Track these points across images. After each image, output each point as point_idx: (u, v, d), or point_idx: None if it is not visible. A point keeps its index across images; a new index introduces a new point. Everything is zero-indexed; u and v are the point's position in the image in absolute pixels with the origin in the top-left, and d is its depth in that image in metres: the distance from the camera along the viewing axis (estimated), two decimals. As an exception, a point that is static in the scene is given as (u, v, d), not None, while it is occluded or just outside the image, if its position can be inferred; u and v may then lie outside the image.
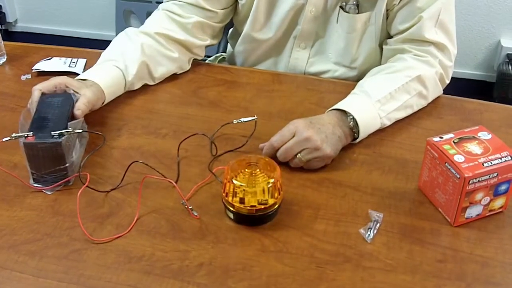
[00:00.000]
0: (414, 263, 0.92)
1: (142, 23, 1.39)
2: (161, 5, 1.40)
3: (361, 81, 1.26)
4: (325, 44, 1.39)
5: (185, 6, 1.35)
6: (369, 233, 0.97)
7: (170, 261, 0.91)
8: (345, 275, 0.90)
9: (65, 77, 1.19)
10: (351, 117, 1.14)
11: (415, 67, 1.25)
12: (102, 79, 1.22)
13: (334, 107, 1.17)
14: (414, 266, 0.92)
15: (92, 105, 1.16)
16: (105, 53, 1.31)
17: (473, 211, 0.98)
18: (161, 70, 1.34)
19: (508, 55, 2.76)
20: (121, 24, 3.06)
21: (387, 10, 1.30)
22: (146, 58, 1.30)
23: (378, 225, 0.98)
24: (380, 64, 1.35)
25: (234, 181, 0.95)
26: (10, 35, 3.31)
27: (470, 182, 0.93)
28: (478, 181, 0.94)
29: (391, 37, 1.34)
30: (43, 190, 1.04)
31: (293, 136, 1.08)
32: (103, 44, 1.38)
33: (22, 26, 3.35)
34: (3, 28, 3.26)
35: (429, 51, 1.27)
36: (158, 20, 1.37)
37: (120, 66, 1.26)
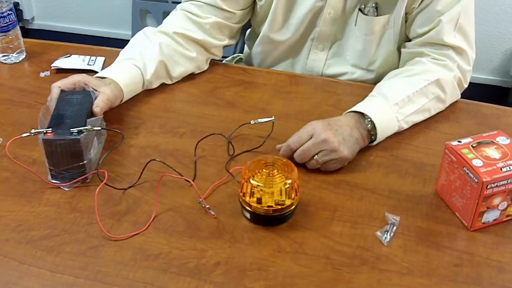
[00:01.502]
0: (430, 267, 0.92)
1: (158, 22, 1.40)
2: (179, 5, 1.40)
3: (379, 84, 1.26)
4: (343, 46, 1.38)
5: (203, 7, 1.36)
6: (385, 235, 0.96)
7: (187, 259, 0.92)
8: (361, 278, 0.90)
9: (84, 74, 1.19)
10: (369, 119, 1.14)
11: (433, 71, 1.24)
12: (121, 78, 1.22)
13: (352, 109, 1.17)
14: (430, 269, 0.91)
15: (110, 103, 1.17)
16: (124, 52, 1.32)
17: (490, 216, 0.98)
18: (179, 70, 1.35)
19: (524, 61, 2.75)
20: (137, 23, 3.07)
21: (406, 13, 1.29)
22: (164, 57, 1.30)
23: (394, 228, 0.98)
24: (398, 67, 1.34)
25: (252, 181, 0.95)
26: (27, 32, 3.34)
27: (488, 187, 0.93)
28: (496, 186, 0.93)
29: (409, 40, 1.33)
30: (61, 187, 1.05)
31: (311, 138, 1.08)
32: (118, 43, 1.39)
33: (39, 23, 3.37)
34: (20, 25, 3.28)
35: (447, 55, 1.27)
36: (176, 20, 1.37)
37: (138, 65, 1.26)
